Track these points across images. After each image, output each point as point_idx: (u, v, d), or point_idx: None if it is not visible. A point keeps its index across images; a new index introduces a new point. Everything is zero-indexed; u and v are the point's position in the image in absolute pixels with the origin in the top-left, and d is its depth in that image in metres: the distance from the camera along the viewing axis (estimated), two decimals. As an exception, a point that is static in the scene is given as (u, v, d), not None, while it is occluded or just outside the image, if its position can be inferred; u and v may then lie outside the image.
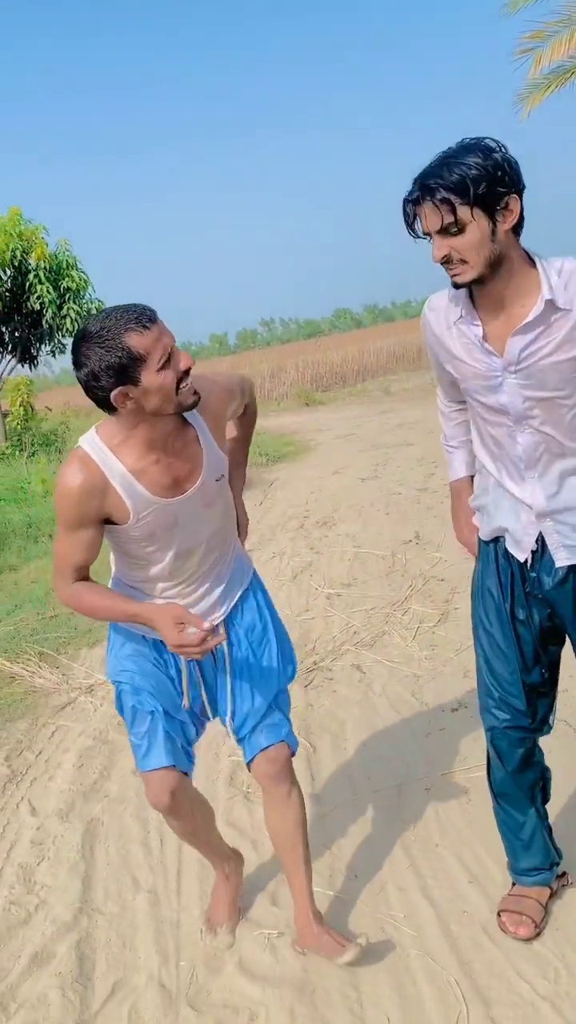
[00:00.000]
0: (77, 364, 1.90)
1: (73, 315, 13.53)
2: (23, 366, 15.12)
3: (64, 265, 13.50)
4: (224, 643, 2.25)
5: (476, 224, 1.77)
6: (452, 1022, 2.07)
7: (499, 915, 2.34)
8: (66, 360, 16.41)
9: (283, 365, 29.84)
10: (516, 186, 1.79)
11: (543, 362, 1.90)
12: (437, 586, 5.23)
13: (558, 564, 2.07)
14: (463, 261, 1.82)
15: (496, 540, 2.18)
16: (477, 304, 1.94)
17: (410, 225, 1.86)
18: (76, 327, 13.67)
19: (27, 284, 13.39)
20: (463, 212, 1.76)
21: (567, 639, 2.21)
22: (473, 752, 3.21)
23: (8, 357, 15.00)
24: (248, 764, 2.36)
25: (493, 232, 1.79)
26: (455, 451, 2.37)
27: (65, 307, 13.52)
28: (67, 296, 13.59)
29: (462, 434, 2.32)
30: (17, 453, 12.44)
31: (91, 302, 13.87)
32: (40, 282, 13.20)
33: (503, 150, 1.79)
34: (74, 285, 13.51)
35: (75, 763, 3.70)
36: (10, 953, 2.58)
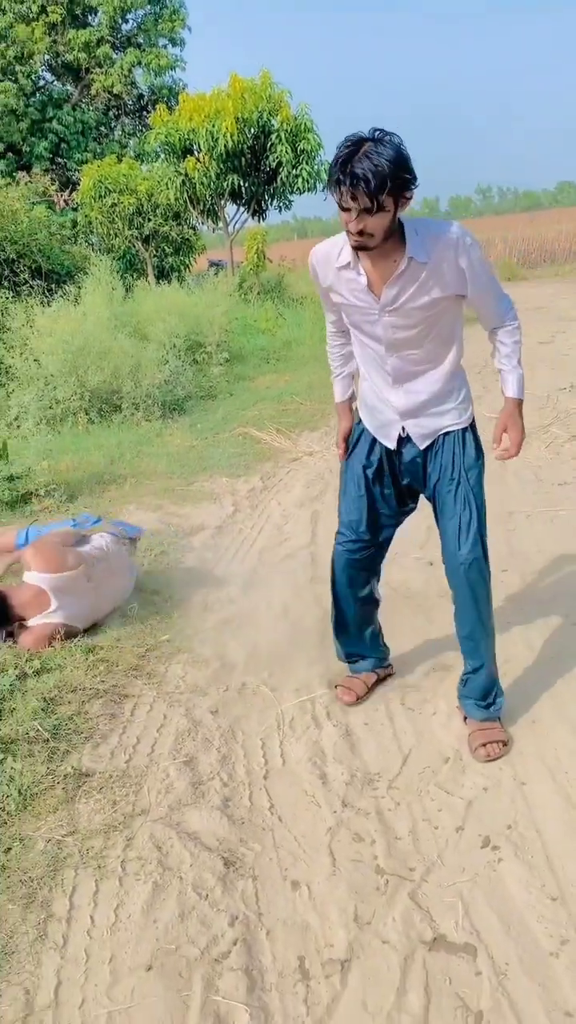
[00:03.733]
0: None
1: (305, 175, 15.12)
2: (253, 219, 16.94)
3: (302, 128, 14.98)
4: None
5: (386, 210, 2.21)
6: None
7: (336, 687, 3.15)
8: (278, 217, 18.01)
9: (492, 238, 29.93)
10: (414, 179, 2.22)
11: (409, 304, 2.43)
12: (576, 420, 6.83)
13: (420, 447, 2.69)
14: (371, 235, 2.26)
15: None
16: (360, 259, 2.42)
17: (331, 191, 2.25)
18: (306, 186, 15.28)
19: (268, 144, 15.03)
20: (382, 199, 2.17)
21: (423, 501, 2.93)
22: (558, 499, 4.98)
23: (242, 209, 16.85)
24: None
25: (394, 215, 2.25)
26: (338, 380, 2.95)
27: (299, 167, 15.11)
28: (301, 157, 15.14)
29: (341, 365, 2.92)
30: (245, 296, 14.45)
31: (322, 164, 15.34)
32: (281, 142, 14.81)
33: (404, 145, 2.19)
34: (309, 147, 15.01)
35: (303, 486, 5.76)
36: (274, 543, 4.68)
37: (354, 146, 2.16)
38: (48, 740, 2.84)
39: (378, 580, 3.11)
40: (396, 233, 2.34)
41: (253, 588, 4.16)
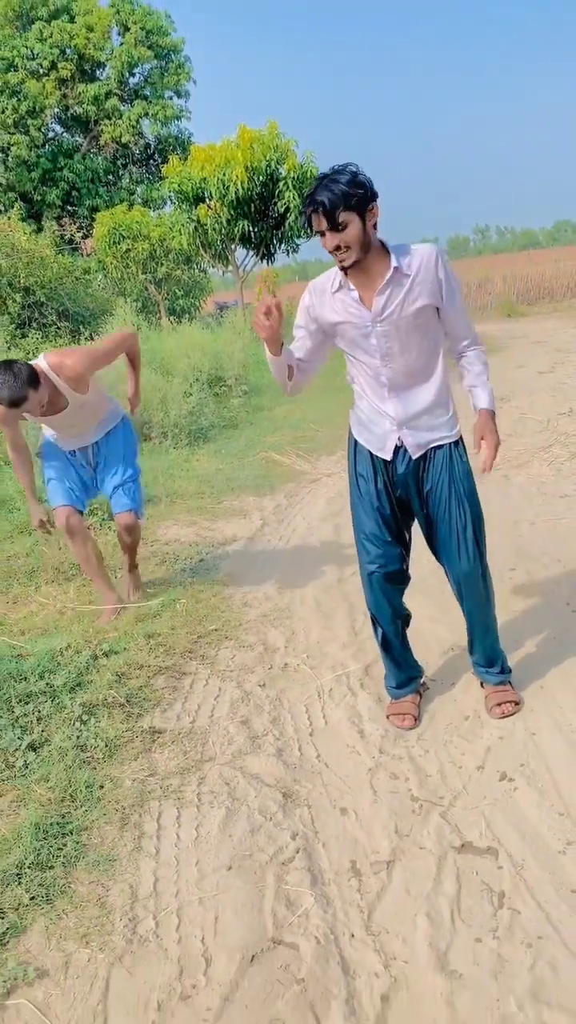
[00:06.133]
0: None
1: (312, 219, 15.83)
2: (262, 261, 17.66)
3: (308, 175, 15.72)
4: (91, 453, 4.17)
5: (353, 223, 2.52)
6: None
7: (388, 716, 3.24)
8: (282, 259, 18.74)
9: (491, 276, 30.72)
10: (374, 196, 2.55)
11: (396, 314, 2.69)
12: None
13: (413, 456, 2.90)
14: (348, 248, 2.56)
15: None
16: (349, 278, 2.69)
17: (308, 226, 2.61)
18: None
19: (276, 191, 15.78)
20: (343, 216, 2.50)
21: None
22: (557, 511, 5.45)
23: (251, 253, 17.58)
24: (115, 515, 4.27)
25: (364, 227, 2.55)
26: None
27: (306, 212, 15.83)
28: (308, 202, 15.86)
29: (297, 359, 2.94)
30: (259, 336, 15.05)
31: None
32: (288, 189, 15.55)
33: (361, 171, 2.53)
34: (315, 193, 15.75)
35: (324, 502, 6.25)
36: (301, 551, 5.15)
37: (317, 181, 2.56)
38: (123, 705, 3.30)
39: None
40: (379, 249, 2.65)
41: (286, 588, 4.63)
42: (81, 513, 4.17)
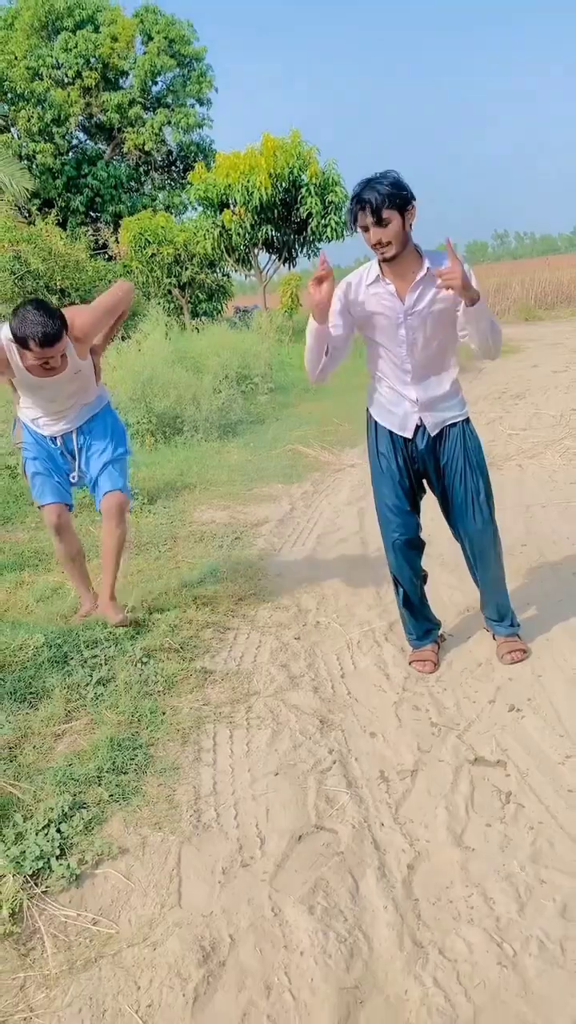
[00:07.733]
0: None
1: (333, 224, 16.33)
2: (284, 265, 18.14)
3: (330, 182, 16.21)
4: (75, 438, 3.89)
5: (394, 220, 2.87)
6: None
7: (410, 663, 3.66)
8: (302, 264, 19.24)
9: (509, 282, 30.96)
10: (413, 198, 2.90)
11: (425, 310, 3.06)
12: (586, 434, 7.73)
13: (432, 434, 3.30)
14: (389, 243, 2.91)
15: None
16: (385, 275, 3.05)
17: (353, 222, 2.97)
18: (335, 235, 16.46)
19: (299, 197, 16.26)
20: (387, 213, 2.85)
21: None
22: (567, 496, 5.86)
23: (273, 257, 18.06)
24: (98, 503, 3.95)
25: (403, 225, 2.91)
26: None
27: (327, 217, 16.32)
28: (329, 208, 16.35)
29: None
30: (280, 338, 15.51)
31: (349, 214, 16.49)
32: (310, 195, 16.03)
33: (400, 176, 2.89)
34: (337, 199, 16.25)
35: (349, 489, 6.68)
36: (329, 531, 5.57)
37: (363, 183, 2.90)
38: (177, 650, 3.76)
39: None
40: (413, 251, 3.00)
41: (316, 560, 5.07)
42: (70, 508, 4.06)
